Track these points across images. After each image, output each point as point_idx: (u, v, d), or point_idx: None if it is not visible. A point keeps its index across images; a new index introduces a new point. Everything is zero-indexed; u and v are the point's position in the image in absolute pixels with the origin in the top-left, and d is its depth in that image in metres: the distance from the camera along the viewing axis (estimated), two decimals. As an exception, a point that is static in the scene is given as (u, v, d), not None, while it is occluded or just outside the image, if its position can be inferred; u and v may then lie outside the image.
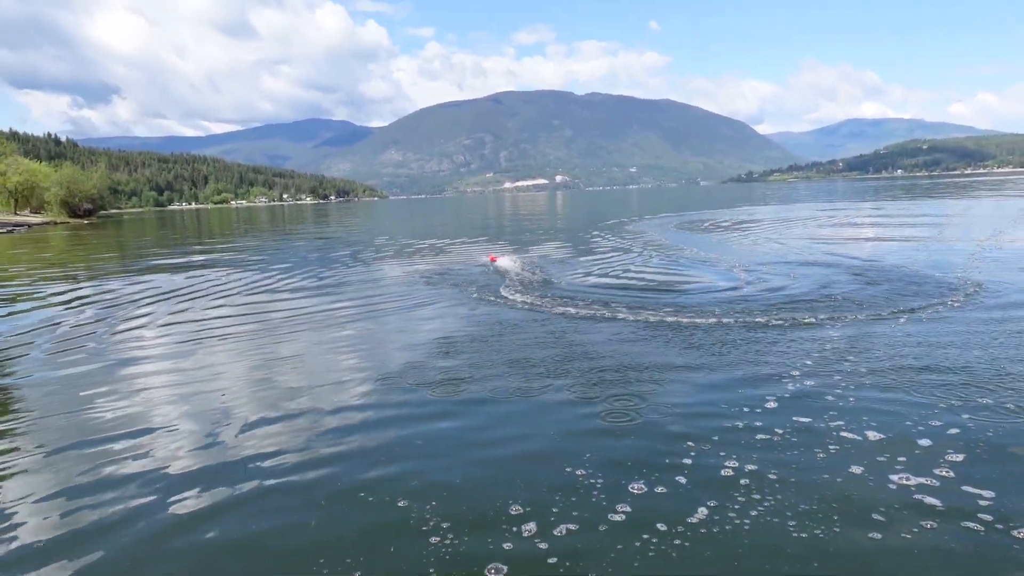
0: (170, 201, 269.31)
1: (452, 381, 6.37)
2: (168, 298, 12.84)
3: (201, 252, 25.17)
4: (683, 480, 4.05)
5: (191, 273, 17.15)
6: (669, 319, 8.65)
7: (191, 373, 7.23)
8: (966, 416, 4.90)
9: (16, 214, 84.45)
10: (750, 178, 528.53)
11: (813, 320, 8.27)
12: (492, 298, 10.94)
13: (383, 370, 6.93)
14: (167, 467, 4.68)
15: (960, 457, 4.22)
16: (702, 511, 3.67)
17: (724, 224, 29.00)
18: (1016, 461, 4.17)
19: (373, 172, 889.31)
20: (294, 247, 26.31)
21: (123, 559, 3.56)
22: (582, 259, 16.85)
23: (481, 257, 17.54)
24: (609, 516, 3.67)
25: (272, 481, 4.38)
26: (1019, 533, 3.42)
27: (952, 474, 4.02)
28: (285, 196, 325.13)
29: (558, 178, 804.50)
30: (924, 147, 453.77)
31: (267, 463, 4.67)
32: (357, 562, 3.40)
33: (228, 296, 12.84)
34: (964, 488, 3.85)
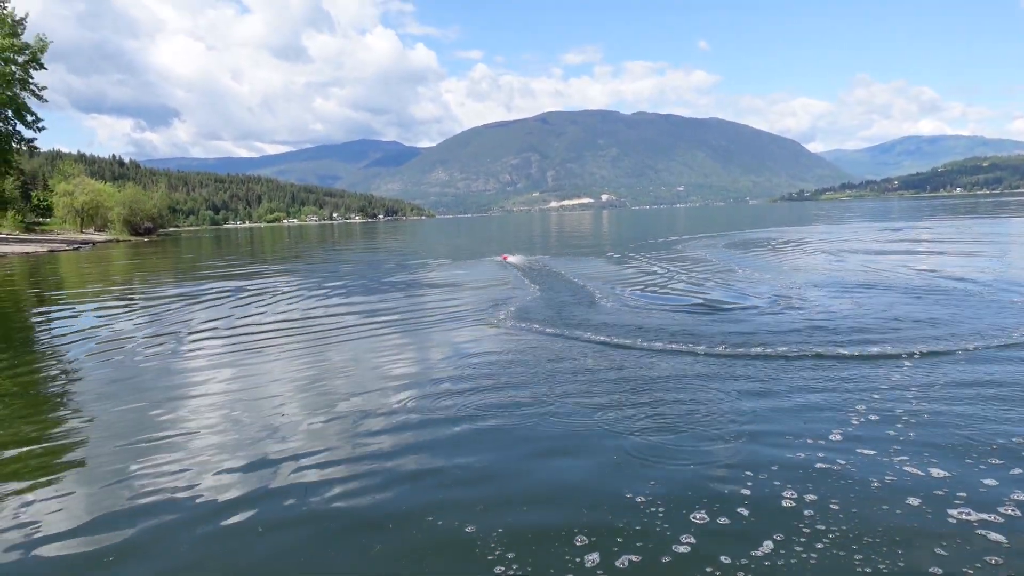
0: (225, 220, 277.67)
1: (499, 406, 6.40)
2: (224, 310, 13.24)
3: (254, 267, 25.86)
4: (745, 512, 3.99)
5: (245, 285, 17.64)
6: (720, 346, 8.55)
7: (245, 380, 7.47)
8: (1041, 452, 4.73)
9: (82, 232, 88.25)
10: (801, 197, 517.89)
11: (877, 350, 8.07)
12: (532, 322, 10.96)
13: (433, 390, 7.02)
14: (212, 474, 4.84)
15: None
16: (767, 544, 3.62)
17: (775, 243, 28.47)
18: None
19: (420, 191, 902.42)
20: (340, 264, 26.80)
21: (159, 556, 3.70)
22: (626, 277, 16.76)
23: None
24: (673, 547, 3.64)
25: (321, 499, 4.48)
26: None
27: (1018, 512, 3.89)
28: (335, 215, 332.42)
29: (604, 197, 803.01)
30: (984, 164, 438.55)
31: (315, 477, 4.79)
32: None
33: (277, 308, 13.18)
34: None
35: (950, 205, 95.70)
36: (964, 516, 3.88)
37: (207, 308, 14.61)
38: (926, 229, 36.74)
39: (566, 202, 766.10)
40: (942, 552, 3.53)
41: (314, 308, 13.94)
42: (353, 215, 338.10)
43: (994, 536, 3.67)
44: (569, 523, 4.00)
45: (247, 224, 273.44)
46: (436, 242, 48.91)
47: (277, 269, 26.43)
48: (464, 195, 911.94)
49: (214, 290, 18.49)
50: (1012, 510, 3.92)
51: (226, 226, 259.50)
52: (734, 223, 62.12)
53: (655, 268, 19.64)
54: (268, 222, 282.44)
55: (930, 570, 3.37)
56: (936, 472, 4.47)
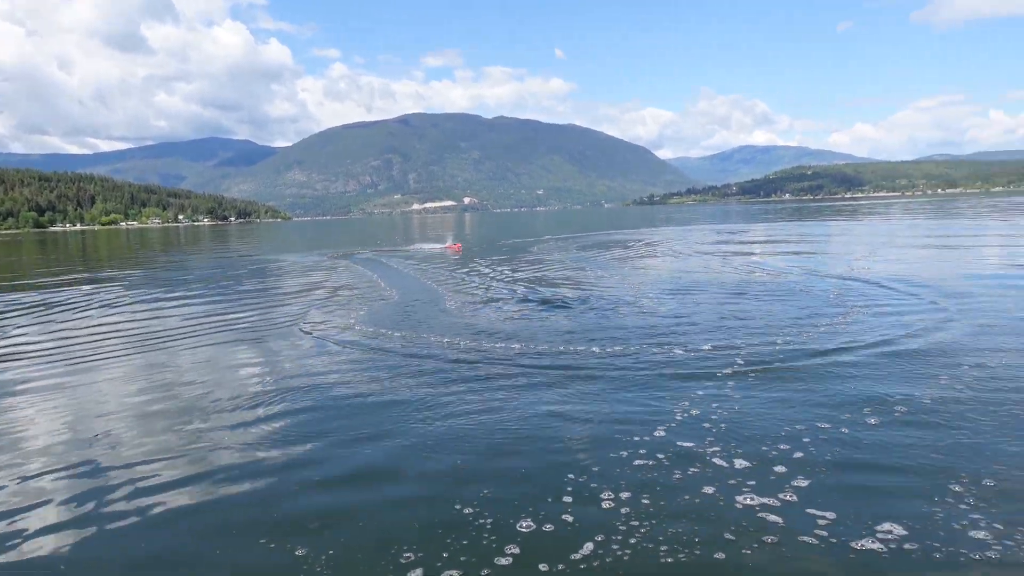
0: (52, 222, 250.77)
1: (323, 422, 6.27)
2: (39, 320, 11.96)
3: (80, 275, 23.60)
4: (568, 518, 4.12)
5: (56, 298, 16.04)
6: (542, 346, 8.83)
7: (69, 393, 6.78)
8: (819, 440, 5.26)
9: None
10: (651, 201, 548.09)
11: (706, 348, 8.65)
12: (364, 327, 10.82)
13: (250, 404, 6.72)
14: (36, 489, 4.36)
15: (806, 483, 4.54)
16: (588, 546, 3.75)
17: (631, 244, 29.91)
18: (853, 488, 4.51)
19: (276, 193, 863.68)
20: (182, 271, 25.10)
21: None
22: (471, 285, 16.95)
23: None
24: (496, 559, 3.67)
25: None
26: (856, 544, 3.77)
27: (795, 498, 4.32)
28: (181, 217, 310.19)
29: (466, 200, 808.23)
30: (809, 172, 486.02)
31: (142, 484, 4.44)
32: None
33: (97, 317, 12.11)
34: (807, 510, 4.17)
35: (780, 209, 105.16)
36: (749, 501, 4.30)
37: (17, 323, 13.14)
38: (760, 231, 40.20)
39: (428, 204, 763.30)
40: (729, 536, 3.90)
41: (134, 320, 12.93)
42: (201, 217, 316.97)
43: (772, 518, 4.09)
44: (398, 539, 3.96)
45: (79, 227, 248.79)
46: (290, 245, 46.92)
47: (104, 277, 24.29)
48: (323, 197, 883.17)
49: (23, 303, 16.67)
50: (791, 496, 4.35)
51: (53, 229, 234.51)
52: (593, 225, 64.65)
53: (501, 270, 19.98)
54: (103, 224, 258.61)
55: (716, 555, 3.69)
56: (739, 463, 4.85)
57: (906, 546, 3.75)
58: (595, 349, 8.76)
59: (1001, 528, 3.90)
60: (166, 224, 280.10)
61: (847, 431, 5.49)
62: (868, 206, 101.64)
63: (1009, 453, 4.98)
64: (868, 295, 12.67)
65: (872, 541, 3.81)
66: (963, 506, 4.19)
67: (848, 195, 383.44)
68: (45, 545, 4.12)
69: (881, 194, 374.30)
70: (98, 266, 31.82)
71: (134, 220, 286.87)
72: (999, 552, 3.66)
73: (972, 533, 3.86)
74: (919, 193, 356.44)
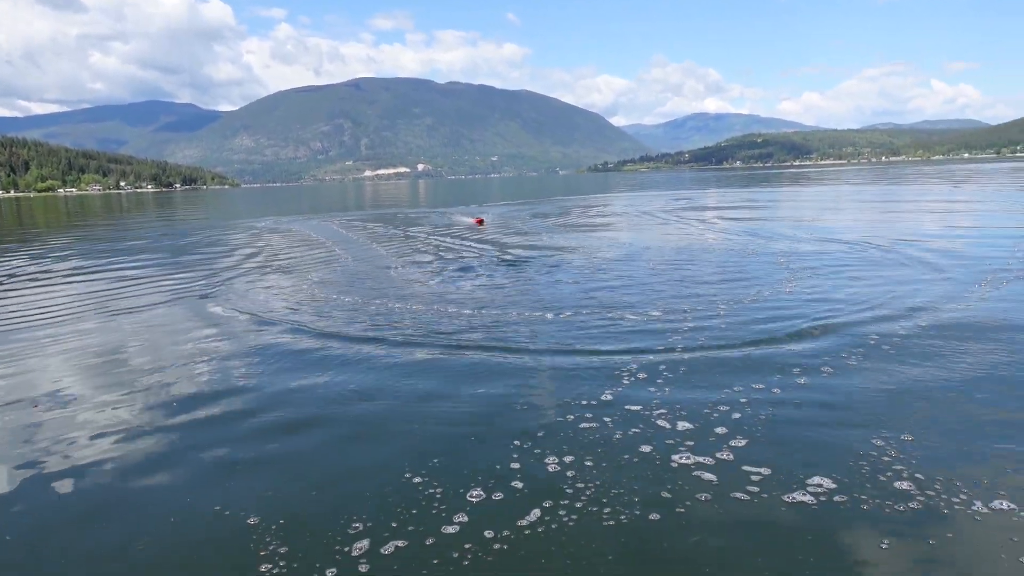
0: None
1: (274, 396, 6.22)
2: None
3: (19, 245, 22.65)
4: (519, 484, 4.19)
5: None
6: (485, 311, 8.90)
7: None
8: (756, 400, 5.47)
9: None
10: (606, 168, 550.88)
11: (656, 313, 8.81)
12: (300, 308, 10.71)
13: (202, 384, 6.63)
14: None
15: (743, 442, 4.72)
16: (535, 512, 3.83)
17: (586, 211, 30.04)
18: (786, 443, 4.72)
19: (223, 159, 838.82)
20: (124, 240, 24.31)
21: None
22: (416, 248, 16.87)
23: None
24: (443, 528, 3.73)
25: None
26: (788, 498, 3.96)
27: (730, 456, 4.51)
28: (123, 184, 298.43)
29: (420, 166, 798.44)
30: (759, 140, 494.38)
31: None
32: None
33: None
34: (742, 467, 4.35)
35: (731, 176, 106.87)
36: (685, 460, 4.47)
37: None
38: (711, 197, 40.88)
39: (381, 171, 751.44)
40: (666, 494, 4.05)
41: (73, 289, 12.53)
42: (145, 184, 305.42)
43: (707, 476, 4.26)
44: (347, 508, 4.00)
45: (12, 194, 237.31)
46: (246, 211, 45.67)
47: (57, 245, 23.36)
48: (272, 163, 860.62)
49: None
50: (727, 455, 4.53)
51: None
52: (547, 191, 64.61)
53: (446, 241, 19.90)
54: (39, 191, 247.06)
55: (652, 516, 3.81)
56: (682, 425, 5.01)
57: (835, 498, 3.94)
58: (545, 315, 8.84)
59: (922, 479, 4.14)
60: (107, 191, 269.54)
61: (781, 392, 5.69)
62: (816, 173, 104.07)
63: (929, 405, 5.26)
64: (810, 256, 13.05)
65: (803, 494, 4.00)
66: (886, 458, 4.42)
67: (797, 163, 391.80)
68: None
69: (828, 161, 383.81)
70: (46, 235, 30.55)
71: (72, 187, 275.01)
72: (921, 502, 3.87)
73: (896, 484, 4.08)
74: (864, 160, 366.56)
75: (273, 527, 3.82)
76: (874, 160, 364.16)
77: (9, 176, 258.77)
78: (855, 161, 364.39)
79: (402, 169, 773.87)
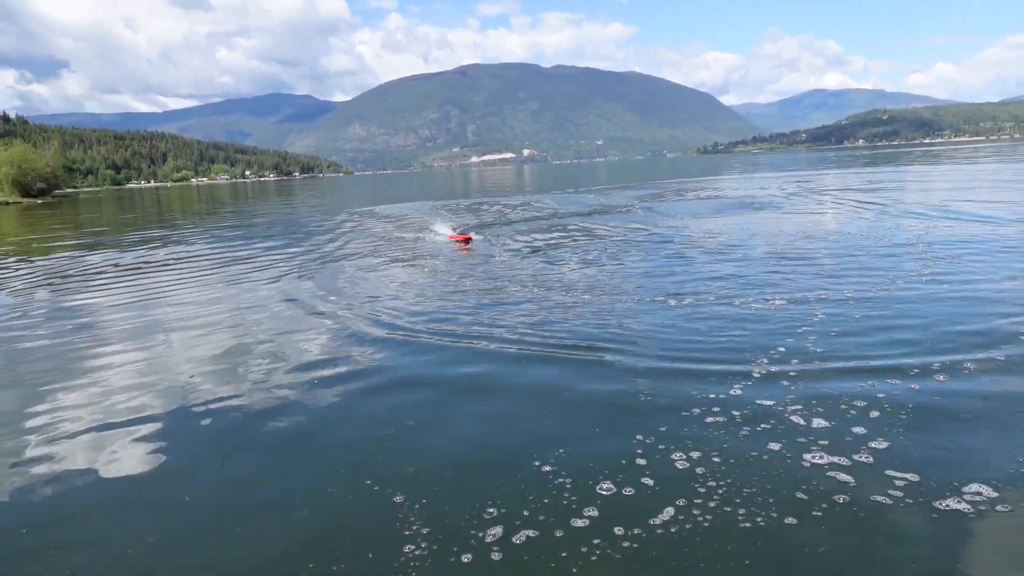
0: (128, 179, 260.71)
1: (400, 376, 6.42)
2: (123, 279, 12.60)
3: (159, 232, 24.61)
4: (650, 481, 4.14)
5: (149, 254, 16.80)
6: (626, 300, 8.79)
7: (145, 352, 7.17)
8: (897, 400, 5.12)
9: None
10: (715, 149, 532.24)
11: (762, 306, 8.46)
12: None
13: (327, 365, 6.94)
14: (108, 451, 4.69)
15: (885, 444, 4.44)
16: (668, 511, 3.77)
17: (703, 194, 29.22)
18: (936, 445, 4.41)
19: (337, 147, 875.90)
20: (271, 226, 25.86)
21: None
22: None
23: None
24: (572, 521, 3.73)
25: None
26: (940, 504, 3.70)
27: (870, 460, 4.25)
28: (248, 173, 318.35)
29: (525, 152, 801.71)
30: (884, 117, 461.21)
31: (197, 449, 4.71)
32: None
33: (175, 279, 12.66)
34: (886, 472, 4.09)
35: (855, 156, 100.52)
36: (818, 460, 4.26)
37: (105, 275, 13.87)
38: (829, 177, 38.64)
39: (487, 157, 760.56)
40: (801, 496, 3.87)
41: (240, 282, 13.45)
42: (267, 173, 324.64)
43: (843, 477, 4.04)
44: (482, 494, 4.10)
45: (152, 184, 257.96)
46: (377, 198, 47.60)
47: (191, 234, 25.27)
48: (383, 151, 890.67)
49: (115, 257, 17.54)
50: (866, 457, 4.27)
51: (129, 186, 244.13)
52: (656, 175, 63.24)
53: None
54: (175, 181, 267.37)
55: (787, 520, 3.64)
56: (817, 423, 4.77)
57: (997, 508, 3.65)
58: (666, 302, 8.68)
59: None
60: (234, 180, 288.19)
61: (922, 387, 5.32)
62: (953, 151, 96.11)
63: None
64: (945, 243, 12.10)
65: (958, 501, 3.73)
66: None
67: (927, 140, 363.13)
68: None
69: (964, 138, 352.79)
70: (217, 221, 33.02)
71: (203, 176, 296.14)
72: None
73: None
74: (1006, 136, 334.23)
75: (416, 506, 3.99)
76: (1017, 136, 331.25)
77: (150, 167, 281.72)
78: (995, 137, 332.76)
79: (507, 155, 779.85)
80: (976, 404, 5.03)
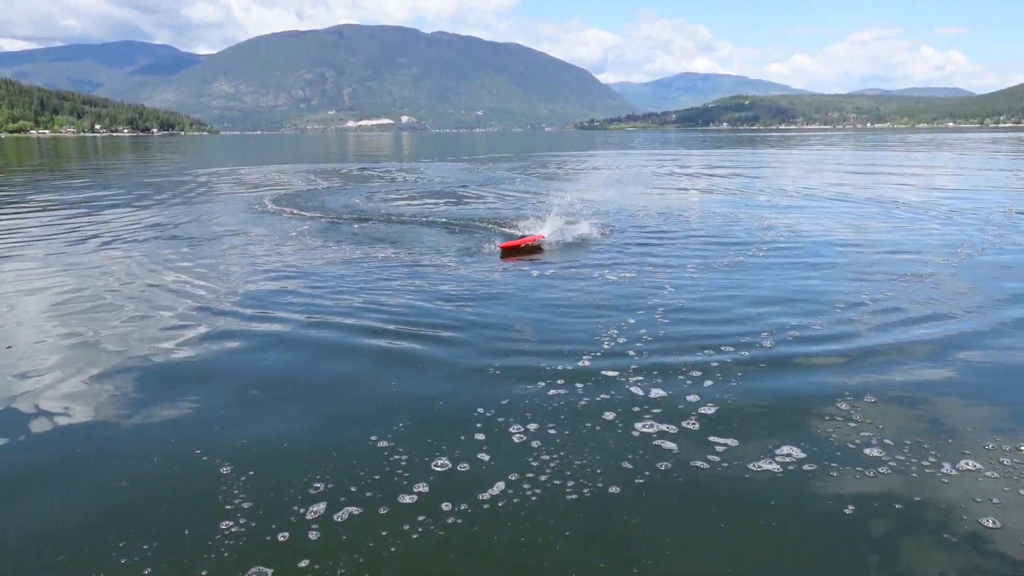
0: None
1: (242, 349, 6.09)
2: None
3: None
4: (485, 456, 4.10)
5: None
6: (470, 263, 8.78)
7: None
8: (728, 367, 5.42)
9: None
10: (592, 126, 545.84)
11: (629, 274, 8.73)
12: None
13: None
14: None
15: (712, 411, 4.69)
16: (499, 485, 3.74)
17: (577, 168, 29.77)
18: (756, 415, 4.68)
19: (201, 104, 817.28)
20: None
21: None
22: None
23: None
24: (399, 497, 3.63)
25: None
26: (753, 466, 3.95)
27: (697, 426, 4.47)
28: (98, 127, 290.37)
29: (404, 118, 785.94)
30: (746, 103, 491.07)
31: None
32: (123, 559, 3.16)
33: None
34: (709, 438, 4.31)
35: (719, 138, 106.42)
36: (647, 429, 4.42)
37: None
38: (698, 158, 40.73)
39: (364, 122, 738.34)
40: (627, 465, 3.98)
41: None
42: (120, 128, 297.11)
43: (667, 445, 4.22)
44: (316, 467, 3.95)
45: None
46: (234, 159, 44.70)
47: (27, 192, 22.70)
48: (252, 110, 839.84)
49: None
50: (693, 424, 4.48)
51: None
52: (534, 147, 63.92)
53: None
54: (11, 132, 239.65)
55: (612, 489, 3.72)
56: (656, 393, 4.94)
57: (805, 467, 3.90)
58: (529, 274, 8.73)
59: (891, 444, 4.12)
60: (82, 134, 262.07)
61: (751, 355, 5.65)
62: (800, 137, 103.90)
63: (894, 370, 5.25)
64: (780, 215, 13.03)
65: (770, 462, 3.96)
66: (852, 424, 4.42)
67: (783, 127, 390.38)
68: None
69: (814, 126, 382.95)
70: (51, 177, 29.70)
71: (46, 129, 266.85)
72: (892, 467, 3.85)
73: (866, 451, 4.07)
74: (849, 126, 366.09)
75: (242, 478, 3.82)
76: (859, 126, 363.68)
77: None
78: (840, 127, 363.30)
79: (386, 121, 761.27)
80: (798, 376, 5.39)
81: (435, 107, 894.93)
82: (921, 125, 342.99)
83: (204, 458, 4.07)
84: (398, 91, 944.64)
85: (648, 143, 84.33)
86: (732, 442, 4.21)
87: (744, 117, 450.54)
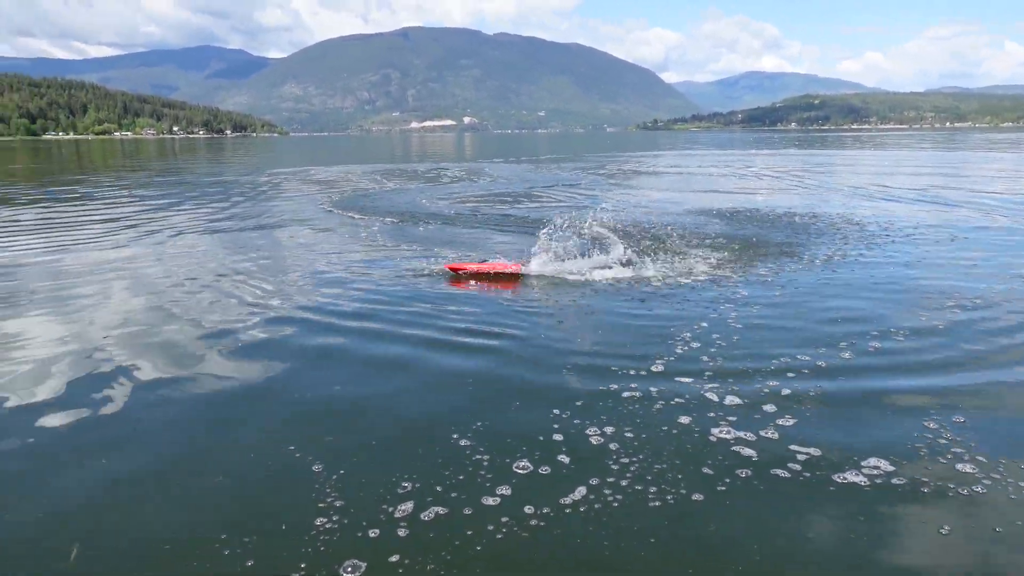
0: (45, 130, 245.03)
1: (324, 347, 6.27)
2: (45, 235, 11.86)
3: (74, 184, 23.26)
4: (565, 459, 4.12)
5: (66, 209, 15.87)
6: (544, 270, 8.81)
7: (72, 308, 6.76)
8: (806, 373, 5.29)
9: None
10: (655, 126, 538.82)
11: (704, 277, 8.62)
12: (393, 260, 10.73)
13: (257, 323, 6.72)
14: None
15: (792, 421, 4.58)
16: (580, 490, 3.75)
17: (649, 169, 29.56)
18: (840, 423, 4.56)
19: (271, 107, 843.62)
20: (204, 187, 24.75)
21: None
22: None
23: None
24: (483, 499, 3.69)
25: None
26: (839, 477, 3.84)
27: (776, 434, 4.38)
28: (176, 129, 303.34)
29: (466, 119, 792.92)
30: (816, 102, 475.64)
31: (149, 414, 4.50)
32: (224, 551, 3.31)
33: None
34: (790, 447, 4.22)
35: (788, 138, 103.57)
36: (724, 435, 4.37)
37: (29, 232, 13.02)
38: (767, 158, 39.74)
39: (427, 123, 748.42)
40: (708, 471, 3.95)
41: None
42: (196, 129, 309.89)
43: (746, 452, 4.16)
44: (402, 465, 4.06)
45: (72, 136, 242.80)
46: (316, 158, 46.19)
47: (114, 189, 23.96)
48: (320, 112, 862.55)
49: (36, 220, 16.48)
50: (771, 433, 4.39)
51: (46, 137, 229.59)
52: (596, 148, 63.58)
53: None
54: (97, 134, 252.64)
55: (695, 496, 3.69)
56: (731, 400, 4.87)
57: (893, 481, 3.79)
58: (593, 276, 8.72)
59: (984, 461, 3.97)
60: (161, 136, 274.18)
61: (828, 361, 5.50)
62: (877, 137, 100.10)
63: (993, 383, 5.03)
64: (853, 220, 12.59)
65: (856, 474, 3.86)
66: (942, 440, 4.26)
67: (855, 126, 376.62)
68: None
69: (889, 126, 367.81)
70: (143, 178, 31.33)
71: (128, 131, 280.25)
72: (987, 486, 3.71)
73: (959, 467, 3.93)
74: (926, 126, 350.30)
75: (334, 477, 3.93)
76: (937, 126, 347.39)
77: (68, 118, 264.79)
78: (917, 126, 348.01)
79: (448, 122, 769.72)
80: (881, 388, 5.23)
81: (497, 108, 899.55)
82: (1005, 124, 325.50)
83: (297, 455, 4.22)
84: (460, 92, 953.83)
85: (714, 143, 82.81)
86: (814, 452, 4.12)
87: (814, 117, 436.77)
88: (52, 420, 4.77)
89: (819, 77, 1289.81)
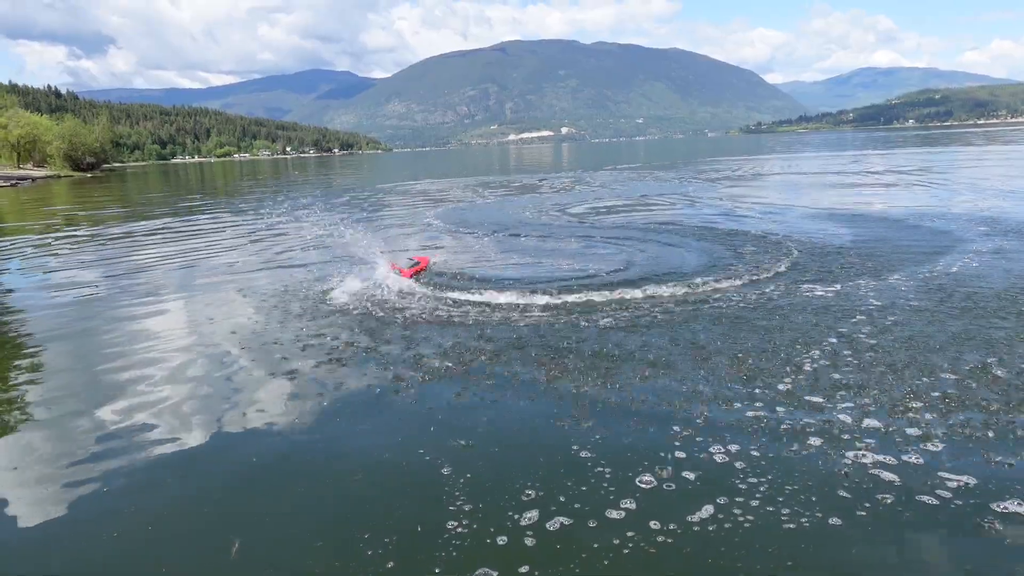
0: (173, 154, 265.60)
1: (439, 359, 6.36)
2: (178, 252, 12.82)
3: (201, 205, 24.99)
4: (690, 475, 4.02)
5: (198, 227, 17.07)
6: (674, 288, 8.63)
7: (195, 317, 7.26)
8: (955, 403, 4.90)
9: (19, 168, 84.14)
10: (759, 129, 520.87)
11: (831, 290, 8.23)
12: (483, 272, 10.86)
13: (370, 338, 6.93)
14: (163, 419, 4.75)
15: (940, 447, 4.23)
16: (707, 508, 3.65)
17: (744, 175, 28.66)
18: (1000, 448, 4.18)
19: (376, 124, 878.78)
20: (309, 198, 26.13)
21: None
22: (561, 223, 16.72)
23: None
24: (607, 512, 3.65)
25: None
26: (998, 507, 3.49)
27: (921, 459, 4.07)
28: (288, 149, 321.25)
29: (564, 130, 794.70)
30: (936, 97, 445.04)
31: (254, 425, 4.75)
32: (367, 552, 3.43)
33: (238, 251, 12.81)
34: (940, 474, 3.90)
35: (905, 136, 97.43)
36: (861, 459, 4.10)
37: (163, 246, 14.13)
38: (883, 157, 37.54)
39: (525, 135, 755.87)
40: (844, 494, 3.73)
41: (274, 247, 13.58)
42: (307, 149, 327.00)
43: (887, 476, 3.89)
44: (525, 473, 4.11)
45: (196, 159, 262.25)
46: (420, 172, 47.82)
47: (233, 207, 25.63)
48: (421, 128, 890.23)
49: (170, 229, 17.87)
50: (915, 458, 4.08)
51: (174, 161, 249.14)
52: (696, 153, 62.16)
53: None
54: (218, 156, 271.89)
55: (832, 520, 3.50)
56: (869, 423, 4.58)
57: (1051, 517, 3.46)
58: (709, 284, 8.50)
59: None
60: (275, 156, 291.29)
61: (979, 382, 5.08)
62: (1010, 132, 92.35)
63: None
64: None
65: (1019, 505, 3.54)
66: None
67: (980, 121, 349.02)
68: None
69: (1021, 119, 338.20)
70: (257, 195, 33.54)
71: (246, 152, 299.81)
72: None
73: None
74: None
75: (461, 481, 4.04)
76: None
77: (194, 142, 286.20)
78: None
79: (546, 133, 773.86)
80: (1035, 403, 4.79)
81: (594, 117, 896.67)
82: None
83: (427, 458, 4.35)
84: (557, 103, 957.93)
85: (823, 145, 78.99)
86: (968, 480, 3.79)
87: (934, 113, 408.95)
88: (196, 409, 5.12)
89: (939, 70, 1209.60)
